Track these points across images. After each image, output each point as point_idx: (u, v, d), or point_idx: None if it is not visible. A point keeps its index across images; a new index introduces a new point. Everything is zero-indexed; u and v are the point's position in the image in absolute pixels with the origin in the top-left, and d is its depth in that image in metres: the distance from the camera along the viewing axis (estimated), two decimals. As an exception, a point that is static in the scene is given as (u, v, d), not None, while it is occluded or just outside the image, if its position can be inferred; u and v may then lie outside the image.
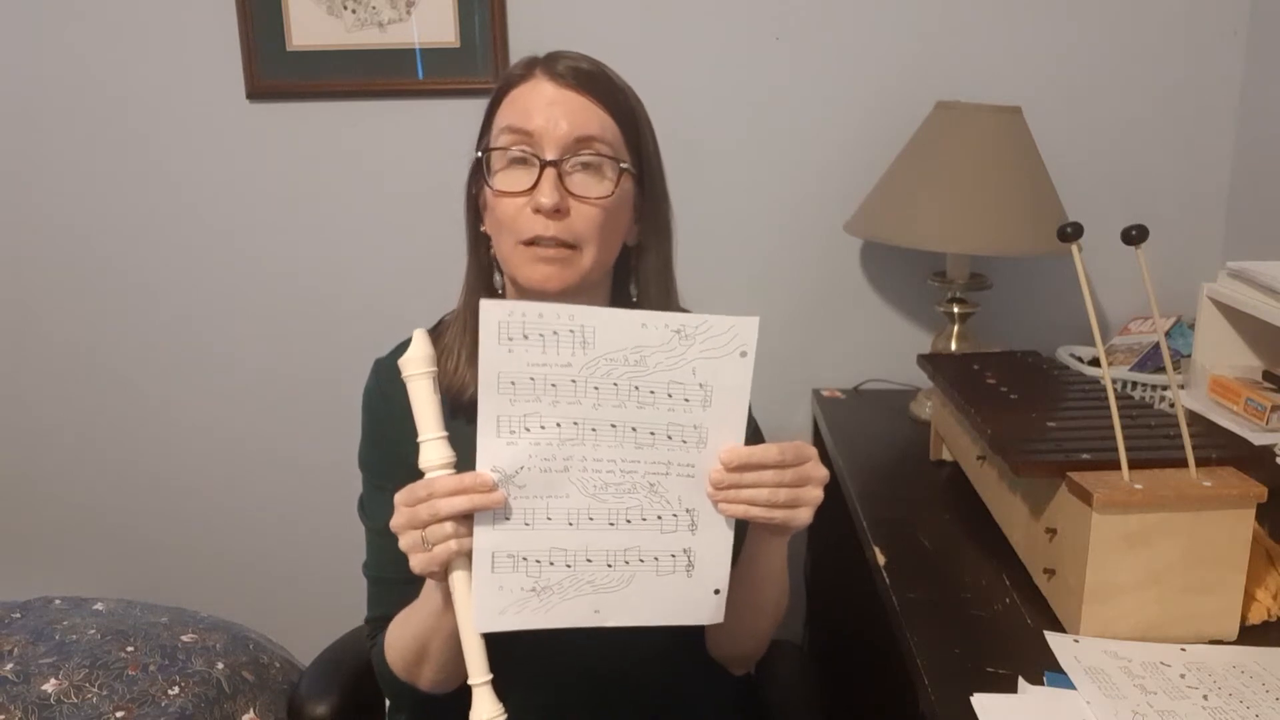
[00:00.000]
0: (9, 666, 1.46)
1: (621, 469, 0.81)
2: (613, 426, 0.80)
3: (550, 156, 0.91)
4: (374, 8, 1.63)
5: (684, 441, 0.81)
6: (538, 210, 0.91)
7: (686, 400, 0.81)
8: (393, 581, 0.98)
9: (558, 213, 0.91)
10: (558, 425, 0.80)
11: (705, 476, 0.82)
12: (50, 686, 1.42)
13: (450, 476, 0.81)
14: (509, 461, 0.80)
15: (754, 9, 1.63)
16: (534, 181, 0.91)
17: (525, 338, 0.78)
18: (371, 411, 1.05)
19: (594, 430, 0.80)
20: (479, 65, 1.65)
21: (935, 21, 1.63)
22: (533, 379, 0.79)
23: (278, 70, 1.66)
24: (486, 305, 0.77)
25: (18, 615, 1.63)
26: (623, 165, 0.95)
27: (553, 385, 0.79)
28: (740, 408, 0.82)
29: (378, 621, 1.03)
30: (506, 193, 0.93)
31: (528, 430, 0.80)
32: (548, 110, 0.92)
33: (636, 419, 0.81)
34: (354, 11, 1.63)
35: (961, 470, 1.27)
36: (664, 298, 1.02)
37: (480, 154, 0.95)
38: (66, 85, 1.69)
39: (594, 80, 0.95)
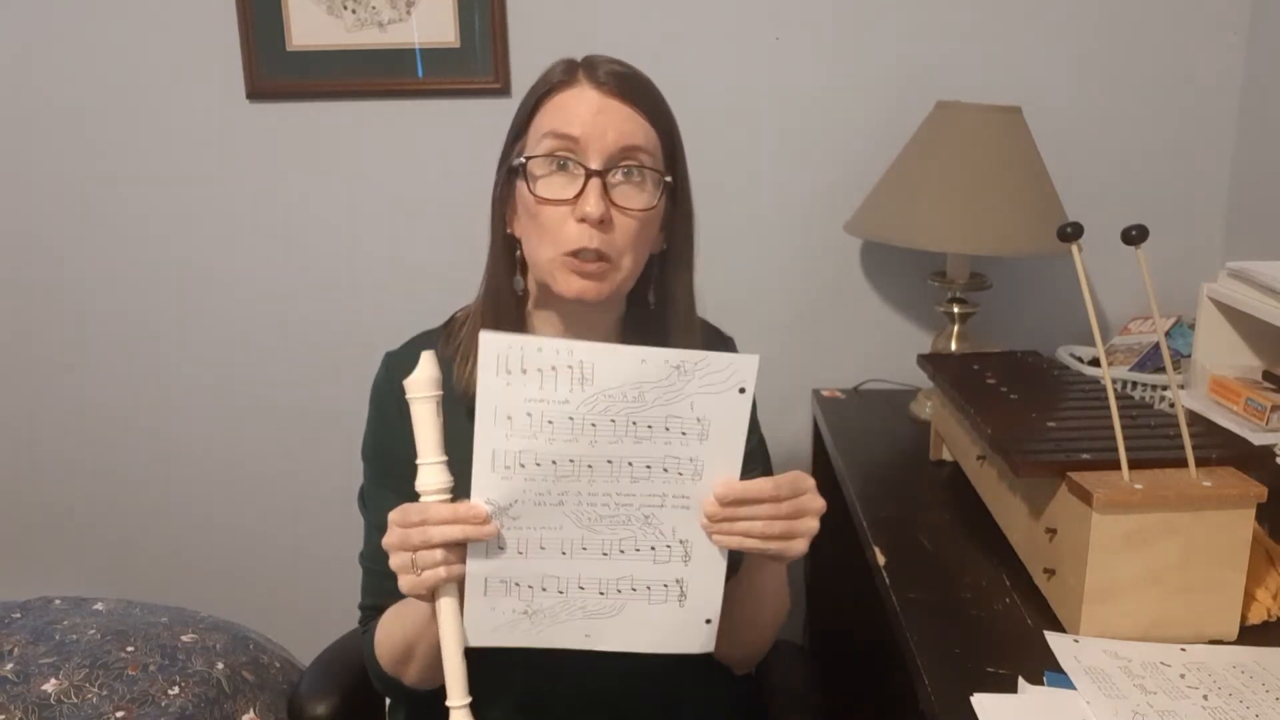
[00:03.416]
0: (9, 666, 1.46)
1: (617, 502, 0.82)
2: (609, 462, 0.80)
3: (595, 166, 0.91)
4: (374, 8, 1.63)
5: (680, 474, 0.81)
6: (583, 220, 0.90)
7: (684, 434, 0.80)
8: (386, 574, 0.98)
9: (602, 224, 0.90)
10: (553, 463, 0.80)
11: (700, 507, 0.82)
12: (50, 686, 1.42)
13: (445, 505, 0.81)
14: (503, 495, 0.80)
15: (754, 9, 1.63)
16: (578, 190, 0.91)
17: (524, 372, 0.78)
18: (379, 405, 1.05)
19: (590, 466, 0.80)
20: (479, 65, 1.65)
21: (935, 21, 1.63)
22: (529, 414, 0.78)
23: (278, 70, 1.66)
24: (486, 337, 0.77)
25: (18, 615, 1.63)
26: (666, 178, 0.95)
27: (550, 422, 0.79)
28: (738, 442, 0.81)
29: (370, 610, 1.04)
30: (550, 200, 0.92)
31: (523, 466, 0.79)
32: (595, 119, 0.91)
33: (633, 454, 0.80)
34: (354, 11, 1.63)
35: (961, 470, 1.27)
36: (691, 311, 1.02)
37: (524, 159, 0.93)
38: (66, 85, 1.69)
39: (637, 89, 0.94)
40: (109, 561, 1.91)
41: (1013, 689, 0.84)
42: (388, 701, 1.16)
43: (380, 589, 1.01)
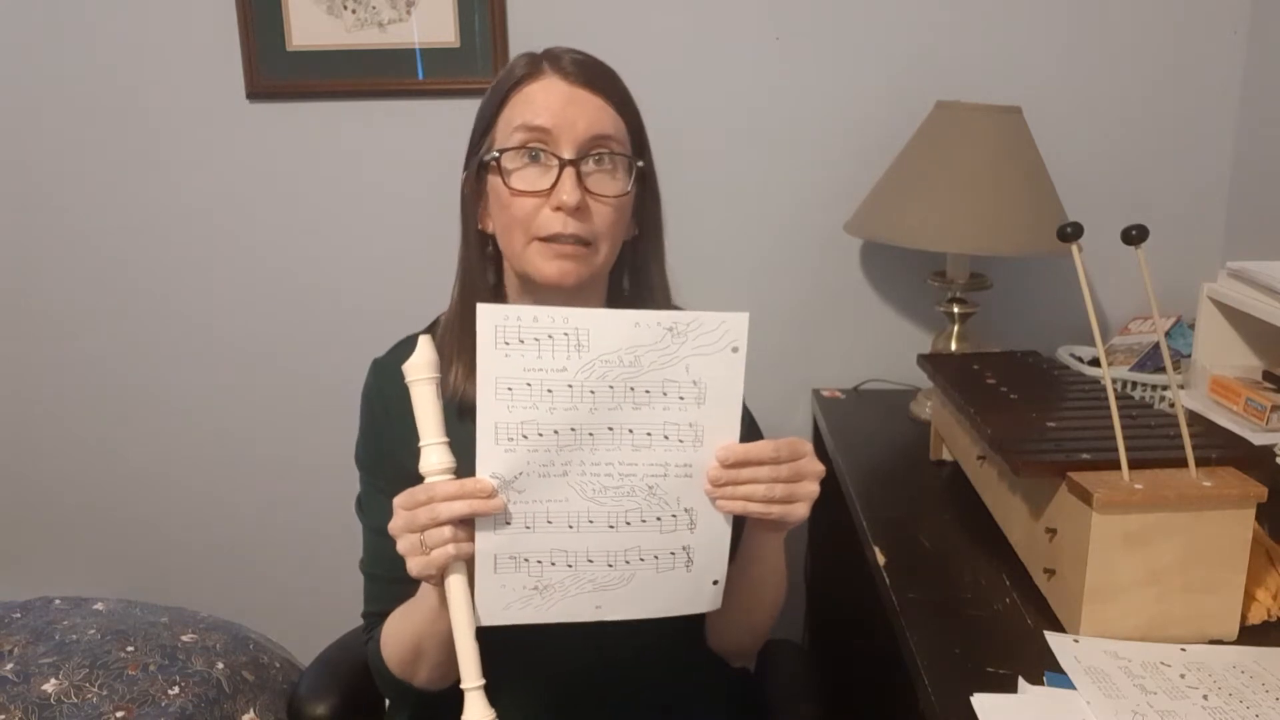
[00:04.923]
0: (9, 666, 1.46)
1: (620, 472, 0.82)
2: (610, 430, 0.81)
3: (568, 155, 0.92)
4: (374, 8, 1.63)
5: (680, 441, 0.82)
6: (559, 208, 0.91)
7: (681, 398, 0.81)
8: (389, 579, 0.98)
9: (579, 211, 0.92)
10: (555, 432, 0.80)
11: (702, 474, 0.83)
12: (50, 686, 1.42)
13: (450, 481, 0.81)
14: (508, 468, 0.80)
15: (754, 9, 1.63)
16: (553, 180, 0.92)
17: (521, 342, 0.78)
18: (369, 411, 1.05)
19: (591, 435, 0.81)
20: (479, 65, 1.65)
21: (935, 21, 1.63)
22: (529, 384, 0.79)
23: (278, 70, 1.66)
24: (483, 309, 0.78)
25: (18, 615, 1.63)
26: (639, 164, 0.96)
27: (549, 391, 0.79)
28: (734, 404, 0.82)
29: (373, 617, 1.04)
30: (525, 191, 0.93)
31: (525, 437, 0.80)
32: (564, 109, 0.93)
33: (633, 420, 0.81)
34: (354, 11, 1.63)
35: (961, 470, 1.27)
36: (665, 294, 1.03)
37: (499, 153, 0.94)
38: (67, 85, 1.69)
39: (603, 77, 0.96)
40: (109, 561, 1.91)
41: (1013, 689, 0.84)
42: (387, 702, 1.16)
43: (383, 595, 1.01)
